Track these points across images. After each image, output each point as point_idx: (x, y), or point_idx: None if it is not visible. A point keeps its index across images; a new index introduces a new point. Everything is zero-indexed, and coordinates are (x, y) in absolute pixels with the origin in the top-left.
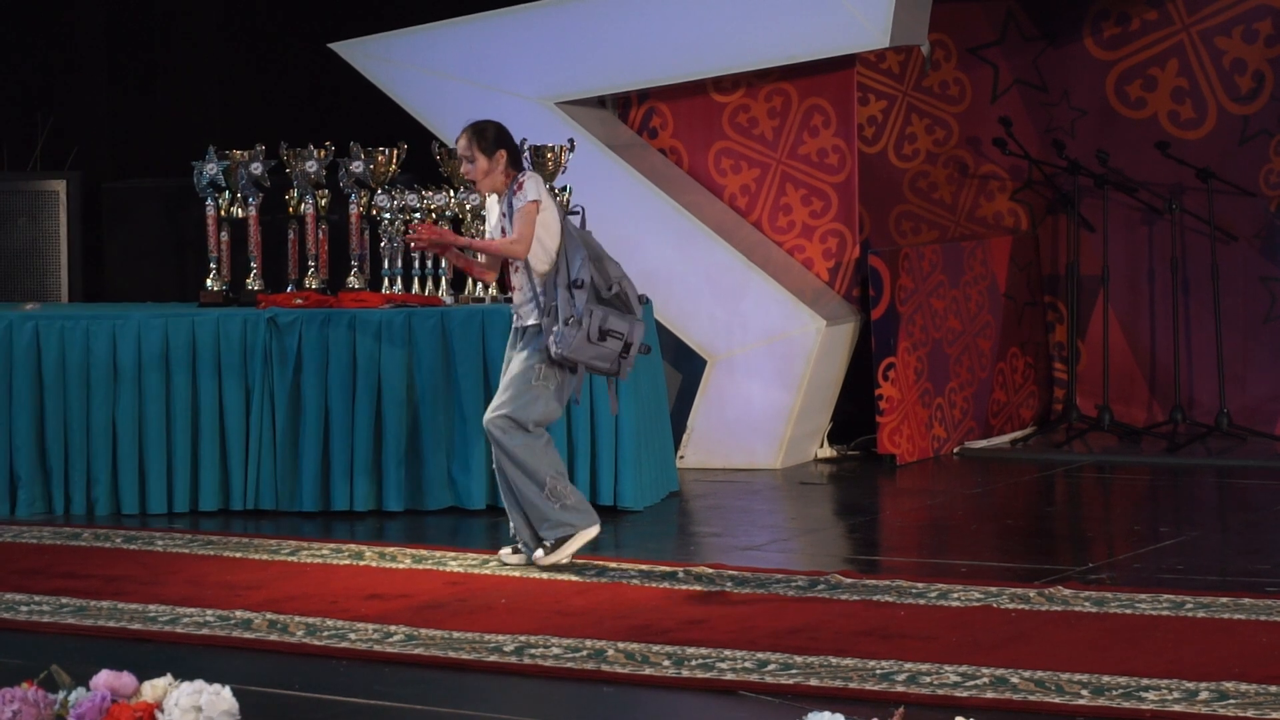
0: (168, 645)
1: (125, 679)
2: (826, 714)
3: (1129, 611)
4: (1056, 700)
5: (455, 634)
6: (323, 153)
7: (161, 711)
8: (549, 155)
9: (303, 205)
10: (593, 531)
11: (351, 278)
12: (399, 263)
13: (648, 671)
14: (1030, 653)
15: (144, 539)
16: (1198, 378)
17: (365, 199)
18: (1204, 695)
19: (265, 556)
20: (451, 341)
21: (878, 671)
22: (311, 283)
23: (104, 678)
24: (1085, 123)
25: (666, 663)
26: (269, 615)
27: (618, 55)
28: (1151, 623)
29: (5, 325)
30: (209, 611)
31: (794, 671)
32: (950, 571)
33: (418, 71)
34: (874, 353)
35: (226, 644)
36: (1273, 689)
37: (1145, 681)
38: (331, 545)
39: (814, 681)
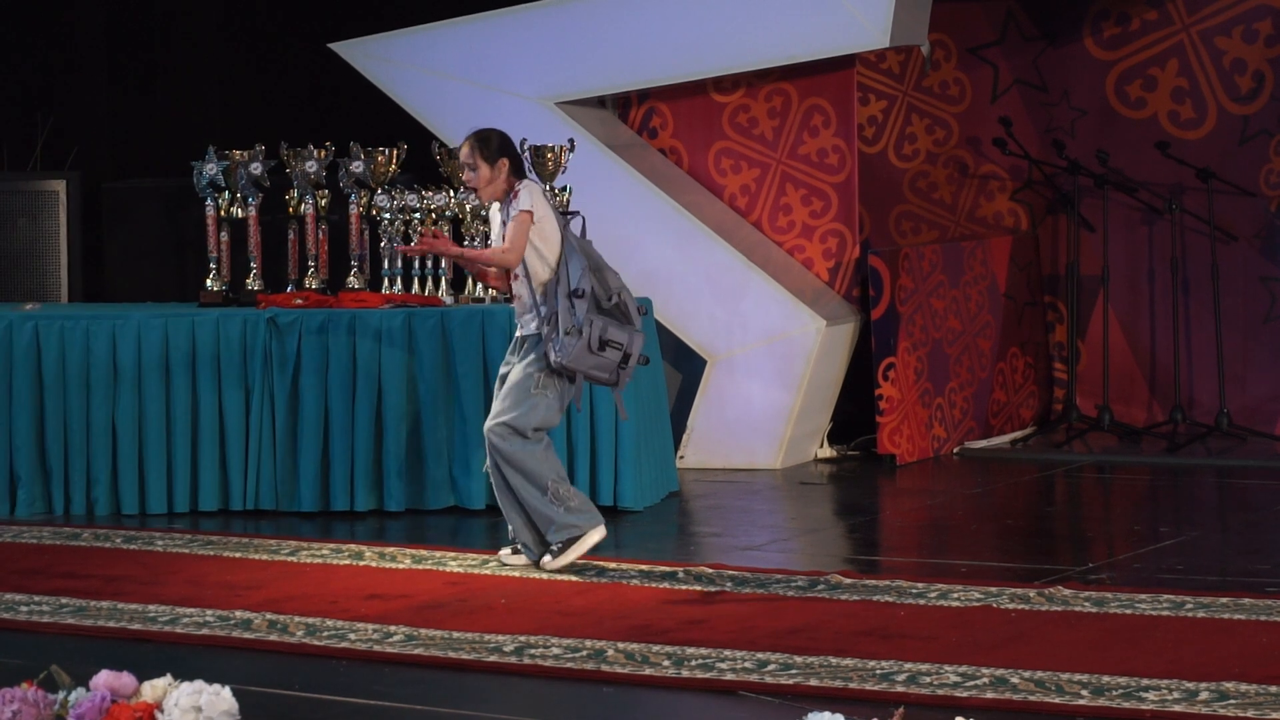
0: (167, 645)
1: (125, 679)
2: (826, 714)
3: (1129, 611)
4: (1056, 700)
5: (455, 634)
6: (323, 153)
7: (161, 711)
8: (549, 155)
9: (303, 205)
10: (598, 533)
11: (351, 278)
12: (399, 263)
13: (648, 671)
14: (1030, 653)
15: (144, 539)
16: (1198, 378)
17: (365, 199)
18: (1204, 695)
19: (265, 557)
20: (451, 341)
21: (878, 671)
22: (311, 283)
23: (104, 678)
24: (1085, 123)
25: (666, 663)
26: (269, 615)
27: (618, 55)
28: (1151, 623)
29: (5, 325)
30: (209, 611)
31: (794, 671)
32: (950, 571)
33: (418, 71)
34: (874, 353)
35: (226, 644)
36: (1273, 689)
37: (1145, 681)
38: (331, 545)
39: (814, 681)
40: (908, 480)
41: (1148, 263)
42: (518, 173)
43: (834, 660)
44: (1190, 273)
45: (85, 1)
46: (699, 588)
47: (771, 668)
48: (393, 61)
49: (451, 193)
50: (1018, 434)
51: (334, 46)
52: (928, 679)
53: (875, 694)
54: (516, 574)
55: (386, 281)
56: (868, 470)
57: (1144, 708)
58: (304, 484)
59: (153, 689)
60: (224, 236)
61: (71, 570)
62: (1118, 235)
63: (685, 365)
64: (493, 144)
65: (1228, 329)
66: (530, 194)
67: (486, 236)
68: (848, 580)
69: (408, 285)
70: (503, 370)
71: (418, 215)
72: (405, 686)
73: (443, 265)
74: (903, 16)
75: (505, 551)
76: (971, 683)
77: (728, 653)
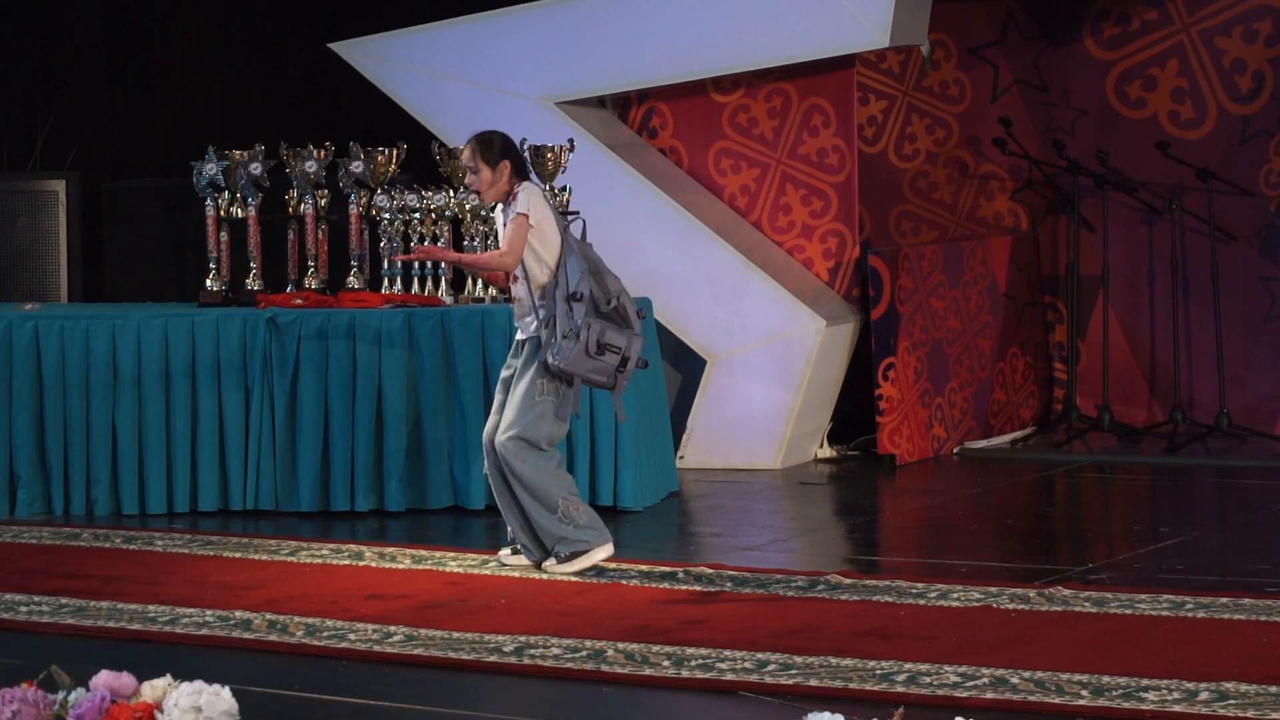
0: (167, 645)
1: (125, 679)
2: (826, 714)
3: (1129, 612)
4: (1056, 700)
5: (455, 634)
6: (322, 153)
7: (161, 712)
8: (549, 155)
9: (302, 205)
10: (606, 551)
11: (351, 278)
12: (399, 263)
13: (647, 672)
14: (1030, 653)
15: (143, 539)
16: (1198, 378)
17: (365, 199)
18: (1204, 695)
19: (265, 557)
20: (451, 341)
21: (878, 671)
22: (311, 283)
23: (103, 678)
24: (1085, 123)
25: (666, 663)
26: (269, 615)
27: (618, 55)
28: (1151, 623)
29: (5, 325)
30: (208, 612)
31: (794, 671)
32: (950, 571)
33: (418, 71)
34: (874, 353)
35: (226, 644)
36: (1273, 689)
37: (1145, 682)
38: (331, 545)
39: (814, 681)
40: (908, 480)
41: (1148, 263)
42: (520, 174)
43: (834, 660)
44: (1190, 273)
45: (85, 1)
46: (699, 588)
47: (771, 668)
48: (392, 61)
49: (451, 193)
50: (1018, 434)
51: (334, 46)
52: (928, 679)
53: (875, 694)
54: (516, 574)
55: (386, 281)
56: (868, 470)
57: (1144, 708)
58: (304, 484)
59: (152, 689)
60: (224, 236)
61: (71, 570)
62: (1118, 235)
63: (685, 365)
64: (494, 146)
65: (1228, 329)
66: (528, 197)
67: (487, 236)
68: (848, 580)
69: (408, 285)
70: (504, 373)
71: (417, 215)
72: (405, 686)
73: (442, 266)
74: (903, 16)
75: (505, 552)
76: (971, 683)
77: (728, 653)
